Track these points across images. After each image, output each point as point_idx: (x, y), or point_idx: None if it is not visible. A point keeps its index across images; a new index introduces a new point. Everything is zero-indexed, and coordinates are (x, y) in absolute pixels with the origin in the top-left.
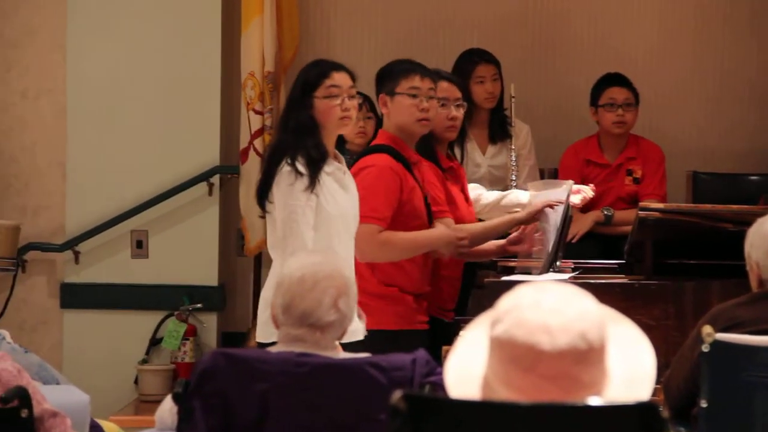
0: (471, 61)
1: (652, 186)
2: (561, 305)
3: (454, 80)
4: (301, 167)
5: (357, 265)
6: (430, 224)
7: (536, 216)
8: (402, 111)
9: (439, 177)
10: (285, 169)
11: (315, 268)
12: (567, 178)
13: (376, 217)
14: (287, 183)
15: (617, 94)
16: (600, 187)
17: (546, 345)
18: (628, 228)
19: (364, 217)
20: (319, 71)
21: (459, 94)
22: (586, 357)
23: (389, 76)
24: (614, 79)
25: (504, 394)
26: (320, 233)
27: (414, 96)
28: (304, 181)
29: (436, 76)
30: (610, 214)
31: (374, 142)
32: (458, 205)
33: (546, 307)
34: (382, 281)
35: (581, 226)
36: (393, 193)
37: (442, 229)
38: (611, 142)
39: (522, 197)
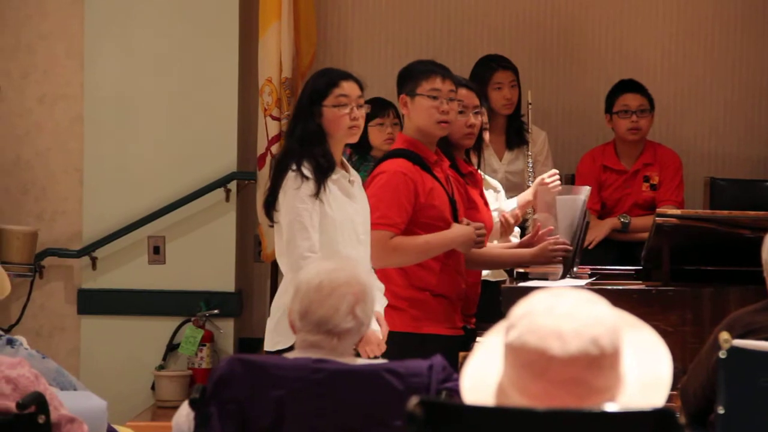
0: (489, 67)
1: (669, 192)
2: (574, 311)
3: (472, 87)
4: (307, 172)
5: (388, 269)
6: (457, 222)
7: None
8: (422, 112)
9: (460, 182)
10: (291, 174)
11: (332, 274)
12: (584, 185)
13: (386, 224)
14: (293, 187)
15: (631, 100)
16: (617, 194)
17: (557, 350)
18: (645, 234)
19: (374, 224)
20: (327, 80)
21: (477, 102)
22: (598, 362)
23: (410, 77)
24: (628, 86)
25: (518, 400)
26: (324, 238)
27: (434, 98)
28: (310, 186)
29: (456, 81)
30: (626, 221)
31: (393, 147)
32: (479, 209)
33: (559, 312)
34: (413, 285)
35: (598, 232)
36: (405, 198)
37: (458, 227)
38: (627, 149)
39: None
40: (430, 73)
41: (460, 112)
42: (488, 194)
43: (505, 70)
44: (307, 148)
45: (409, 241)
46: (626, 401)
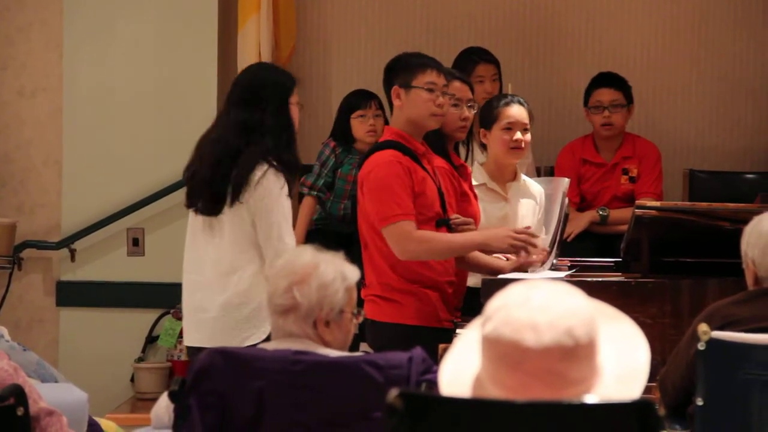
0: (471, 60)
1: (648, 184)
2: (549, 302)
3: (466, 81)
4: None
5: (376, 261)
6: (444, 213)
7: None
8: (418, 104)
9: (453, 174)
10: (271, 170)
11: (293, 260)
12: (563, 177)
13: (402, 213)
14: (279, 185)
15: (604, 95)
16: (596, 187)
17: (531, 342)
18: (625, 227)
19: (391, 217)
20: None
21: (471, 95)
22: (573, 354)
23: (405, 69)
24: (603, 81)
25: (494, 392)
26: None
27: (431, 91)
28: (286, 185)
29: (449, 74)
30: (605, 214)
31: (381, 139)
32: (471, 201)
33: (534, 304)
34: (403, 277)
35: (576, 225)
36: (408, 185)
37: (492, 230)
38: (606, 142)
39: None
40: (426, 66)
41: (454, 105)
42: (527, 204)
43: (487, 63)
44: (282, 145)
45: (438, 237)
46: (602, 393)
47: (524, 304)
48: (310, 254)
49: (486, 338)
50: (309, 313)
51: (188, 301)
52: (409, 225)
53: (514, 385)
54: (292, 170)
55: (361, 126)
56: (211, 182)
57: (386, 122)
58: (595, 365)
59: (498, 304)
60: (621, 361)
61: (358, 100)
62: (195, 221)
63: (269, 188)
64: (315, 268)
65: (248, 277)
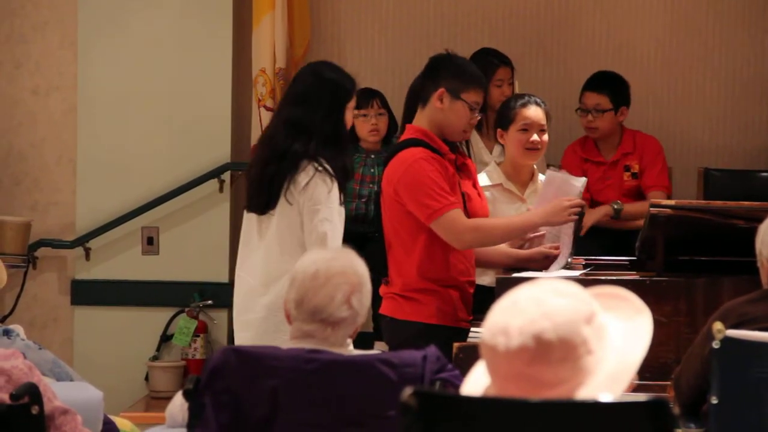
0: (491, 63)
1: (653, 177)
2: (528, 306)
3: (486, 89)
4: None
5: (400, 260)
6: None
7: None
8: (458, 117)
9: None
10: (319, 173)
11: (329, 263)
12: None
13: (447, 205)
14: (327, 189)
15: (588, 99)
16: (599, 185)
17: (501, 346)
18: (639, 223)
19: (440, 209)
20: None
21: (483, 101)
22: (542, 357)
23: (458, 77)
24: (591, 83)
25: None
26: None
27: (473, 110)
28: (337, 191)
29: None
30: (619, 207)
31: (404, 137)
32: (472, 198)
33: (515, 307)
34: (425, 276)
35: (588, 219)
36: (445, 177)
37: (535, 210)
38: (605, 140)
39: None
40: (480, 85)
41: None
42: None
43: (506, 66)
44: (330, 149)
45: (494, 222)
46: (590, 392)
47: (507, 307)
48: (345, 257)
49: (480, 342)
50: (355, 320)
51: (237, 300)
52: (458, 213)
53: (495, 388)
54: (341, 176)
55: (363, 125)
56: (260, 182)
57: (390, 120)
58: (579, 366)
59: (493, 307)
60: (618, 360)
61: (359, 99)
62: (249, 221)
63: (317, 192)
64: (364, 273)
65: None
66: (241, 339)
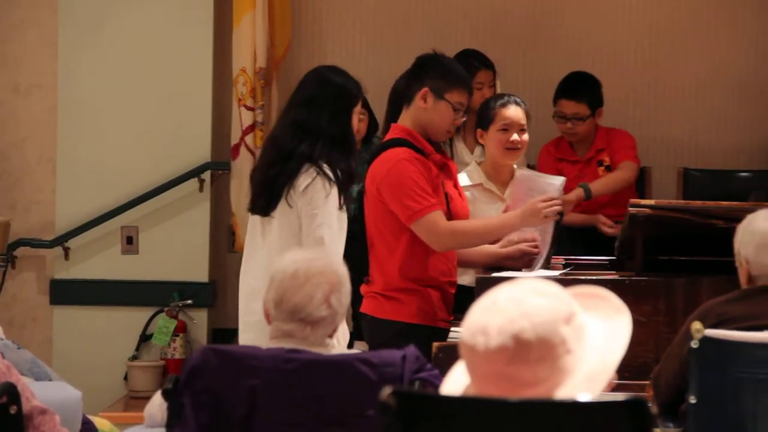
0: (472, 65)
1: (621, 154)
2: (507, 305)
3: (471, 91)
4: (334, 180)
5: (382, 260)
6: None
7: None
8: (442, 117)
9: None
10: (320, 177)
11: (308, 263)
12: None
13: (430, 205)
14: (326, 194)
15: (566, 108)
16: (575, 182)
17: (480, 346)
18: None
19: (421, 210)
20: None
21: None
22: (521, 357)
23: (443, 77)
24: (566, 91)
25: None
26: None
27: (457, 111)
28: (336, 195)
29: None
30: (586, 186)
31: (389, 136)
32: (453, 198)
33: (495, 307)
34: (407, 276)
35: (566, 209)
36: (428, 178)
37: (512, 212)
38: (578, 141)
39: None
40: (464, 86)
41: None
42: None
43: (487, 69)
44: (336, 152)
45: (473, 224)
46: (569, 392)
47: (487, 306)
48: (325, 257)
49: (459, 341)
50: (334, 320)
51: (241, 301)
52: (438, 215)
53: (474, 387)
54: (346, 179)
55: None
56: (263, 183)
57: (371, 120)
58: (557, 366)
59: (473, 307)
60: (597, 360)
61: None
62: (253, 222)
63: (315, 196)
64: (343, 273)
65: None
66: (245, 340)
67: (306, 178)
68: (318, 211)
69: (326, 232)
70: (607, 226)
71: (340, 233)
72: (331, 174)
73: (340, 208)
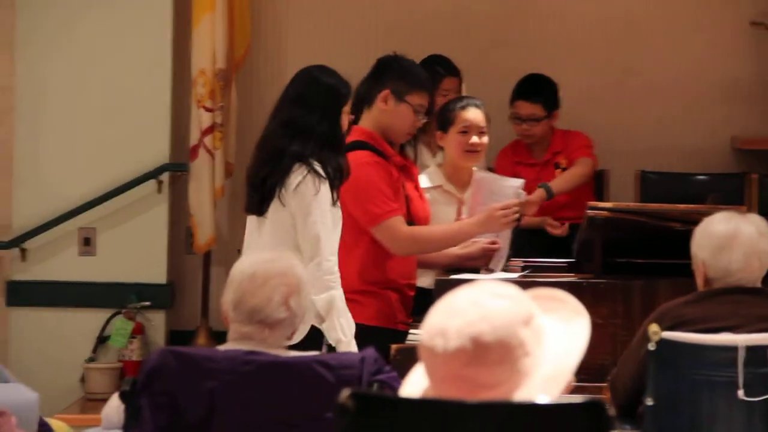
0: (437, 73)
1: (578, 151)
2: (466, 307)
3: (431, 92)
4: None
5: (340, 261)
6: (409, 216)
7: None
8: (402, 119)
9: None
10: (310, 175)
11: (267, 265)
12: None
13: (391, 210)
14: (314, 191)
15: (522, 109)
16: (533, 185)
17: (439, 348)
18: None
19: (382, 214)
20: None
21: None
22: (480, 359)
23: (404, 79)
24: (523, 92)
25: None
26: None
27: (417, 112)
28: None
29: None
30: (547, 186)
31: (350, 138)
32: (413, 200)
33: (454, 309)
34: (365, 279)
35: (528, 211)
36: (389, 182)
37: (471, 219)
38: (536, 143)
39: None
40: (425, 88)
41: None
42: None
43: (452, 77)
44: (327, 149)
45: (426, 231)
46: (527, 394)
47: (445, 309)
48: (285, 259)
49: (419, 344)
50: (293, 322)
51: None
52: (398, 221)
53: (434, 390)
54: (338, 176)
55: None
56: (254, 183)
57: None
58: (515, 368)
59: (432, 309)
60: (555, 363)
61: None
62: (250, 222)
63: (306, 194)
64: (303, 275)
65: None
66: None
67: (297, 176)
68: (310, 209)
69: (321, 229)
70: (552, 227)
71: (335, 230)
72: (322, 171)
73: (333, 204)
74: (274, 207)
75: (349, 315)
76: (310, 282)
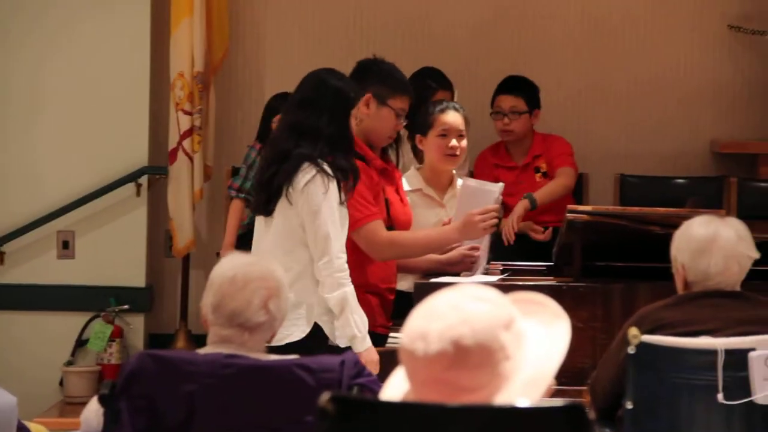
0: (429, 86)
1: (559, 160)
2: (446, 311)
3: (412, 97)
4: (333, 176)
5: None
6: (389, 221)
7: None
8: (383, 123)
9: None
10: (319, 175)
11: (247, 268)
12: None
13: (371, 214)
14: (323, 191)
15: (504, 102)
16: (512, 189)
17: (420, 351)
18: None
19: (362, 219)
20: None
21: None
22: (460, 362)
23: (385, 83)
24: (505, 87)
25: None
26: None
27: (399, 116)
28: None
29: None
30: (532, 197)
31: None
32: (393, 204)
33: (434, 312)
34: None
35: (512, 221)
36: (369, 186)
37: (451, 225)
38: (516, 145)
39: None
40: (406, 92)
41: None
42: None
43: (445, 90)
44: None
45: (406, 237)
46: (507, 398)
47: (426, 312)
48: (264, 263)
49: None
50: (272, 325)
51: None
52: (378, 225)
53: (414, 394)
54: (347, 175)
55: None
56: (261, 183)
57: None
58: (496, 372)
59: (413, 312)
60: (535, 366)
61: (279, 103)
62: (258, 222)
63: (315, 192)
64: (282, 279)
65: (291, 277)
66: None
67: (305, 175)
68: (319, 208)
69: (330, 228)
70: (535, 232)
71: (343, 229)
72: (329, 170)
73: (341, 203)
74: (281, 206)
75: (362, 311)
76: (321, 281)
